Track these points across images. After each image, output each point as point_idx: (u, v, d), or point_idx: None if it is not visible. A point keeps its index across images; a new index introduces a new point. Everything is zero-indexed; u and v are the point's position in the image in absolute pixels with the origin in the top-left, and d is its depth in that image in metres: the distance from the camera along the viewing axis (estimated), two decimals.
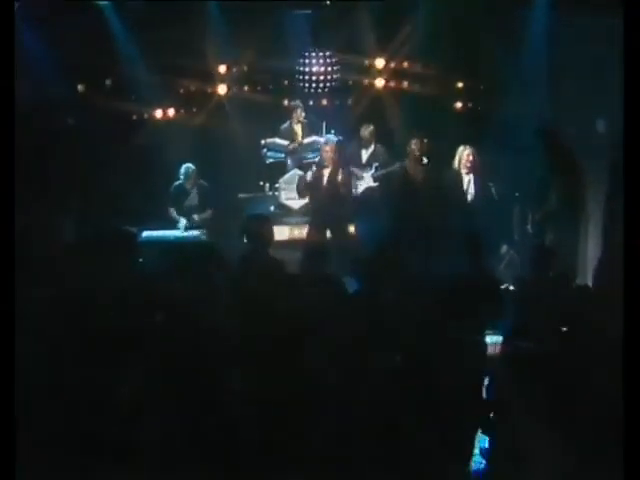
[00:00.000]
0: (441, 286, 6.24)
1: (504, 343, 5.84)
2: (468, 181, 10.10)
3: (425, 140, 10.48)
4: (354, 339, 5.22)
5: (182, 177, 10.19)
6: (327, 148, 10.09)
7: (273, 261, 6.71)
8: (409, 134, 10.70)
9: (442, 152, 10.57)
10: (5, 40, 4.65)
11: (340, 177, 10.00)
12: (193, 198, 10.22)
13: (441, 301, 5.72)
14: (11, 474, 3.91)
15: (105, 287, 4.88)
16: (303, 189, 10.27)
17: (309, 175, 10.08)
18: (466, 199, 10.08)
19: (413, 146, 10.37)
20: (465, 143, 10.20)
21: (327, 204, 9.91)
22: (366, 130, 10.90)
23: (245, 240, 7.02)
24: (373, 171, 10.81)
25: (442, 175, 10.30)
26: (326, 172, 10.04)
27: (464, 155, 10.06)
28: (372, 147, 10.93)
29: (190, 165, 10.26)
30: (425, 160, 10.31)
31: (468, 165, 10.03)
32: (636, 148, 4.45)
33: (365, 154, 10.97)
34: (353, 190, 10.51)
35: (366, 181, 10.82)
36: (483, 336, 5.93)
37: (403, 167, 10.47)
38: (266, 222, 7.19)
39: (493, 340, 6.02)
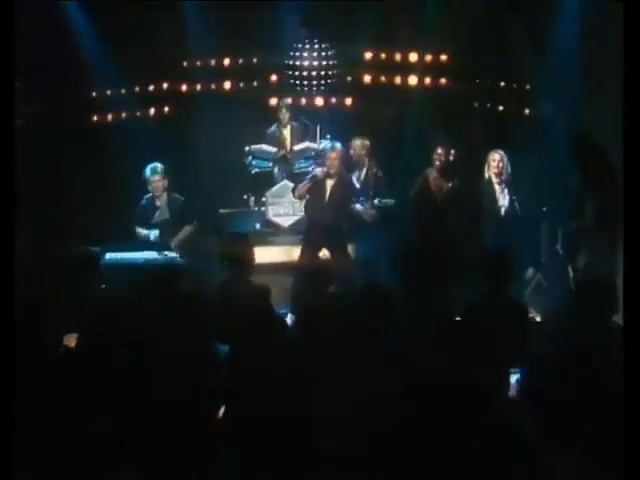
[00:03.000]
0: (457, 316, 6.36)
1: (528, 384, 5.91)
2: (500, 191, 10.15)
3: (452, 151, 10.41)
4: (356, 375, 5.34)
5: (148, 179, 10.02)
6: (334, 155, 10.00)
7: (255, 287, 6.83)
8: (418, 144, 10.71)
9: (462, 161, 10.65)
10: (5, 40, 4.91)
11: (345, 190, 10.00)
12: (164, 212, 10.11)
13: (456, 334, 5.83)
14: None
15: (64, 315, 5.03)
16: (300, 195, 10.14)
17: (311, 185, 9.98)
18: (498, 214, 10.10)
19: (436, 156, 10.29)
20: (488, 149, 10.25)
21: (329, 220, 9.90)
22: (358, 143, 10.66)
23: (224, 264, 7.18)
24: (366, 202, 10.42)
25: (473, 186, 10.31)
26: (330, 183, 9.99)
27: (490, 161, 10.09)
28: (365, 169, 10.64)
29: (157, 165, 10.01)
30: (453, 182, 10.30)
31: (495, 172, 10.05)
32: (636, 148, 4.65)
33: (357, 175, 10.68)
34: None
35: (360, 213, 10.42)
36: (504, 375, 6.03)
37: (425, 178, 10.43)
38: (244, 242, 7.33)
39: (515, 380, 6.09)
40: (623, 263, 4.73)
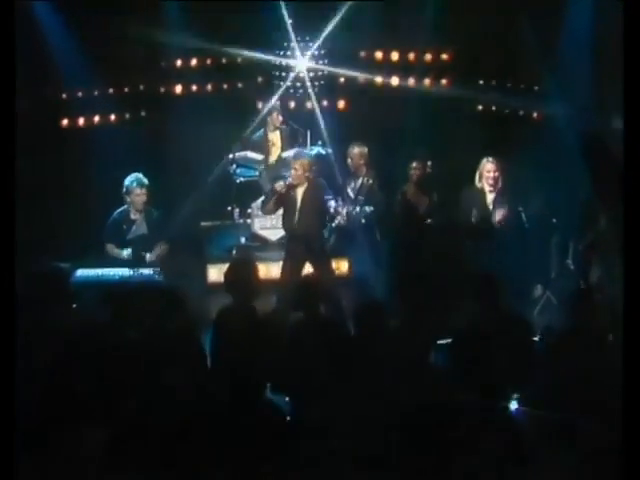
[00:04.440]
0: (450, 339, 6.38)
1: (532, 412, 5.92)
2: (492, 201, 10.16)
3: (429, 163, 10.51)
4: (348, 400, 5.39)
5: (130, 191, 9.81)
6: (297, 165, 9.66)
7: (256, 317, 6.86)
8: (414, 149, 10.74)
9: (457, 168, 10.67)
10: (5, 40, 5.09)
11: (318, 201, 9.82)
12: (140, 227, 9.96)
13: (450, 358, 5.87)
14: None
15: (31, 337, 5.05)
16: (269, 211, 10.05)
17: (278, 197, 9.80)
18: (490, 225, 10.10)
19: (412, 170, 10.43)
20: (487, 155, 10.24)
21: (305, 230, 9.75)
22: (357, 151, 10.63)
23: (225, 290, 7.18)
24: (357, 209, 10.37)
25: (460, 196, 10.34)
26: (300, 191, 9.79)
27: (484, 169, 10.11)
28: (360, 179, 10.59)
29: (141, 176, 9.81)
30: (432, 196, 10.39)
31: (490, 182, 10.08)
32: (636, 148, 4.81)
33: (352, 184, 10.68)
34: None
35: (340, 219, 10.41)
36: (505, 403, 6.04)
37: (402, 193, 10.48)
38: (246, 269, 7.32)
39: (517, 408, 6.10)
40: (624, 268, 4.77)
